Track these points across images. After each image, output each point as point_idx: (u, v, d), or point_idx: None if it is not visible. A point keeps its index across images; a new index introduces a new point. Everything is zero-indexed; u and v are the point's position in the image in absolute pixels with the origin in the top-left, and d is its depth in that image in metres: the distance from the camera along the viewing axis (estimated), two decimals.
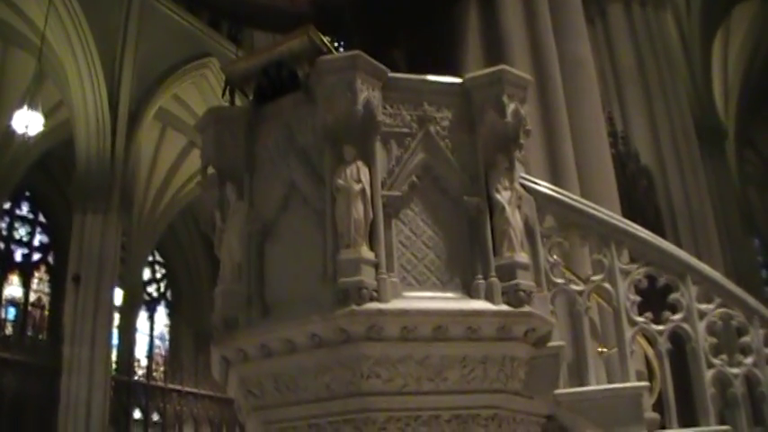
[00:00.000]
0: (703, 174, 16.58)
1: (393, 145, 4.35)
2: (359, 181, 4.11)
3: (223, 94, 4.92)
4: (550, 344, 4.39)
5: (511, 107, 4.38)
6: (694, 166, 15.97)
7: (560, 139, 6.26)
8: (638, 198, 11.72)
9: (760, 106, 35.44)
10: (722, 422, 4.92)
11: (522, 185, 4.54)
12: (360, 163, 4.16)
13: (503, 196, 4.25)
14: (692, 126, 16.86)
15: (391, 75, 4.39)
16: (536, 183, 4.76)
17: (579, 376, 4.73)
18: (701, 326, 4.80)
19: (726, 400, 5.00)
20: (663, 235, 13.33)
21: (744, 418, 4.87)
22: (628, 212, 6.53)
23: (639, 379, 4.86)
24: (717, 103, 26.02)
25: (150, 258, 35.49)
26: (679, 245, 14.48)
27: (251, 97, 4.74)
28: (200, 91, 28.83)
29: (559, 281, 4.67)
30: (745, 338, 4.99)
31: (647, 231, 4.86)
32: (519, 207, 4.34)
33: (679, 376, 4.93)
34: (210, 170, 4.85)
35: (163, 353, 35.05)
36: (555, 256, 4.70)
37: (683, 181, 15.36)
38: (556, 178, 5.86)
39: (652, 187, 13.76)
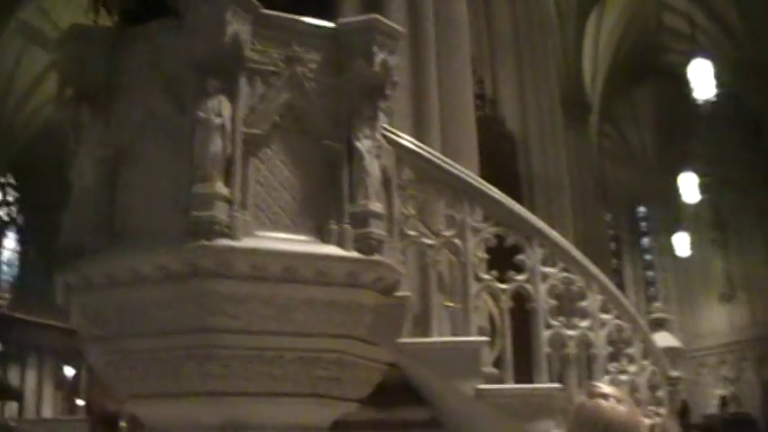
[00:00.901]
0: (564, 144, 17.10)
1: (258, 82, 4.30)
2: (220, 115, 4.04)
3: (89, 10, 4.73)
4: (397, 293, 4.45)
5: (380, 57, 4.38)
6: (556, 136, 16.45)
7: (427, 94, 6.31)
8: (500, 161, 11.99)
9: (624, 85, 36.75)
10: (561, 382, 5.12)
11: (384, 136, 4.56)
12: (223, 97, 4.09)
13: (363, 144, 4.26)
14: (558, 97, 17.34)
15: (264, 11, 4.32)
16: (398, 135, 4.79)
17: (424, 327, 4.84)
18: (543, 288, 4.97)
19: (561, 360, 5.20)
20: (519, 199, 13.71)
21: (575, 377, 5.09)
22: (488, 174, 6.66)
23: (481, 334, 5.01)
24: (585, 77, 26.80)
25: (2, 180, 34.11)
26: (534, 210, 14.94)
27: (118, 17, 4.58)
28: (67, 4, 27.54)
29: (411, 233, 4.74)
30: (583, 303, 5.19)
31: (500, 192, 4.98)
32: (378, 157, 4.36)
33: (524, 336, 5.11)
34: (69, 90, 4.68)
35: (11, 280, 33.88)
36: (410, 209, 4.77)
37: (544, 149, 15.80)
38: (419, 132, 5.91)
39: (514, 152, 14.12)
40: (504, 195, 5.00)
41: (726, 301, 42.39)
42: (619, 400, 2.46)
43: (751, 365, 41.16)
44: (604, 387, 2.55)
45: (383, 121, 4.61)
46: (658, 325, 7.19)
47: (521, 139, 15.23)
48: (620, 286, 43.51)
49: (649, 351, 5.72)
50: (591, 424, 2.39)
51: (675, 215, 38.36)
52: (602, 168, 31.53)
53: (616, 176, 43.31)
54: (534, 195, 15.10)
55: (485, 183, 5.02)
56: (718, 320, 42.70)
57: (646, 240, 46.70)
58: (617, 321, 5.33)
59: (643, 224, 46.90)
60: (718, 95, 22.70)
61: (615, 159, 42.10)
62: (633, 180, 44.59)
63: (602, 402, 2.43)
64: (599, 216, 25.31)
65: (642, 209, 46.56)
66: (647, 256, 46.75)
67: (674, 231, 37.15)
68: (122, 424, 13.42)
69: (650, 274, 46.61)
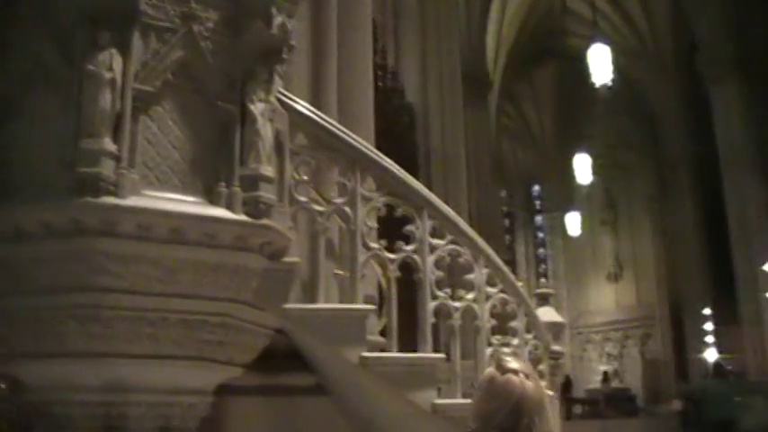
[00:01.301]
0: (463, 119, 17.28)
1: (153, 38, 4.18)
2: (110, 69, 3.93)
3: None
4: (285, 259, 4.44)
5: (278, 19, 4.33)
6: (455, 111, 16.61)
7: (326, 61, 6.29)
8: (399, 132, 12.07)
9: (526, 65, 37.32)
10: (446, 352, 5.21)
11: (279, 100, 4.52)
12: (114, 51, 3.96)
13: (257, 107, 4.21)
14: (459, 73, 17.48)
15: None
16: (293, 99, 4.76)
17: (313, 294, 4.85)
18: (431, 259, 5.04)
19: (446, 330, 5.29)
20: (416, 171, 13.87)
21: (458, 348, 5.19)
22: (386, 145, 6.68)
23: (370, 303, 5.05)
24: (487, 55, 27.07)
25: None
26: (430, 182, 15.16)
27: None
28: None
29: (302, 199, 4.72)
30: (470, 276, 5.29)
31: (392, 163, 5.01)
32: (272, 120, 4.32)
33: (412, 306, 5.17)
34: None
35: None
36: (302, 174, 4.75)
37: (443, 123, 15.94)
38: (316, 99, 5.89)
39: (413, 124, 14.23)
40: (396, 166, 5.03)
41: (613, 280, 43.70)
42: (527, 375, 2.54)
43: (634, 343, 42.61)
44: (513, 361, 2.60)
45: (279, 85, 4.57)
46: (543, 300, 7.36)
47: (420, 112, 15.34)
48: (513, 262, 44.45)
49: (533, 325, 5.87)
50: (503, 398, 2.45)
51: (569, 195, 39.24)
52: (499, 145, 32.04)
53: (513, 154, 44.14)
54: (431, 168, 15.25)
55: (378, 152, 5.04)
56: (605, 299, 44.02)
57: (539, 218, 47.73)
58: (502, 295, 5.45)
59: (537, 202, 47.91)
60: (615, 81, 23.23)
61: (513, 137, 42.85)
62: (529, 159, 45.49)
63: (513, 377, 2.49)
64: (494, 192, 25.74)
65: (537, 187, 47.53)
66: (540, 234, 47.81)
67: (566, 211, 38.01)
68: (1, 385, 13.00)
69: (542, 251, 47.69)
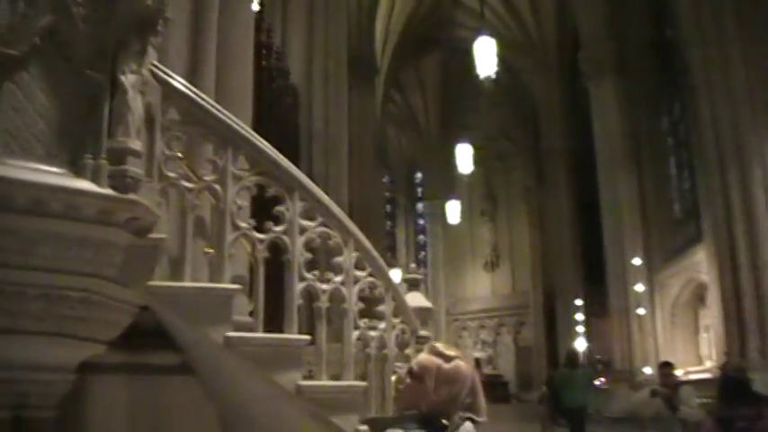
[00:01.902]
0: (347, 103, 17.29)
1: (20, 0, 4.03)
2: None
3: None
4: (152, 235, 4.35)
5: None
6: (340, 94, 16.59)
7: (205, 36, 6.17)
8: (281, 113, 11.98)
9: (414, 54, 37.59)
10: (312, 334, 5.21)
11: (152, 72, 4.42)
12: None
13: (128, 79, 4.10)
14: (345, 57, 17.48)
15: None
16: (167, 73, 4.65)
17: (180, 272, 4.78)
18: (300, 240, 5.03)
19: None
20: (298, 153, 13.82)
21: (324, 330, 5.20)
22: (268, 125, 6.64)
23: (238, 283, 4.99)
24: (376, 41, 27.14)
25: None
26: (311, 165, 15.16)
27: None
28: None
29: (172, 175, 4.64)
30: (339, 258, 5.30)
31: (265, 142, 4.96)
32: (143, 93, 4.22)
33: (281, 287, 5.15)
34: None
35: None
36: (174, 150, 4.66)
37: (327, 106, 15.91)
38: (192, 74, 5.78)
39: (297, 105, 14.14)
40: (268, 146, 4.98)
41: (490, 269, 44.68)
42: (460, 358, 2.72)
43: (508, 331, 43.70)
44: (448, 348, 2.77)
45: (152, 58, 4.46)
46: (412, 285, 7.45)
47: (305, 94, 15.26)
48: (393, 248, 44.91)
49: (401, 310, 5.93)
50: (462, 381, 2.65)
51: (450, 184, 39.82)
52: (384, 131, 32.23)
53: (397, 141, 44.49)
54: (313, 151, 15.21)
55: (251, 131, 4.98)
56: (482, 287, 44.98)
57: (420, 205, 48.32)
58: (371, 279, 5.49)
59: (419, 189, 48.47)
60: (499, 73, 23.61)
61: (398, 124, 43.20)
62: (413, 146, 45.96)
63: (459, 362, 2.69)
64: (377, 178, 25.87)
65: (419, 174, 48.07)
66: (421, 221, 48.41)
67: (447, 199, 38.58)
68: None
69: (422, 238, 48.34)
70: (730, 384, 6.42)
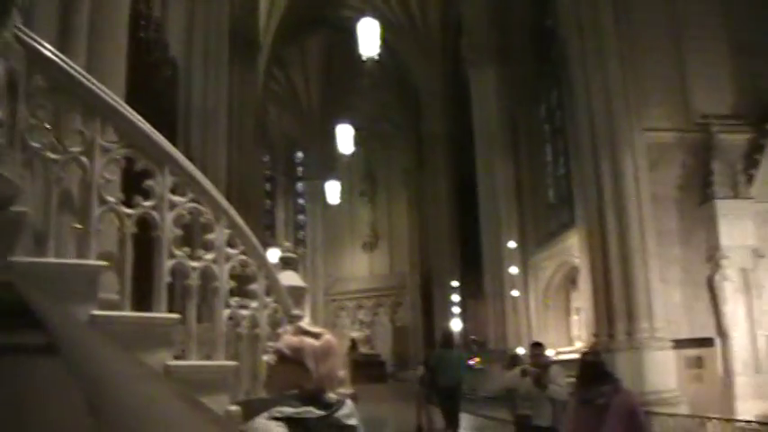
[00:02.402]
0: (228, 79, 16.99)
1: None
2: None
3: None
4: (13, 208, 4.14)
5: None
6: (221, 70, 16.29)
7: (78, 3, 5.93)
8: (158, 86, 11.68)
9: (298, 32, 37.26)
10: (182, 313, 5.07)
11: (16, 36, 4.19)
12: None
13: None
14: (227, 32, 17.16)
15: None
16: (32, 37, 4.41)
17: (42, 247, 4.56)
18: (170, 216, 4.86)
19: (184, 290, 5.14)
20: (175, 128, 13.52)
21: (194, 309, 5.06)
22: (144, 98, 6.43)
23: (105, 259, 4.80)
24: (260, 17, 26.76)
25: None
26: (189, 141, 14.86)
27: None
28: None
29: (36, 145, 4.41)
30: (210, 235, 5.15)
31: (136, 114, 4.76)
32: (5, 58, 4.00)
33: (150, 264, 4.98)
34: None
35: None
36: (39, 119, 4.43)
37: (207, 81, 15.60)
38: (63, 42, 5.53)
39: (175, 79, 13.82)
40: (139, 118, 4.78)
41: (368, 249, 44.90)
42: (326, 333, 2.70)
43: (385, 311, 44.09)
44: (312, 326, 2.75)
45: (17, 21, 4.23)
46: (286, 264, 7.36)
47: (184, 68, 14.91)
48: (272, 227, 44.62)
49: (273, 288, 5.84)
50: (336, 356, 2.66)
51: (330, 164, 39.76)
52: (265, 109, 31.87)
53: (279, 119, 44.10)
54: (191, 126, 14.89)
55: (121, 102, 4.78)
56: (360, 267, 45.19)
57: (300, 185, 48.12)
58: (243, 257, 5.37)
59: (299, 169, 48.26)
60: (382, 56, 23.61)
61: (279, 102, 42.79)
62: (294, 125, 45.69)
63: (329, 338, 2.68)
64: (257, 156, 25.58)
65: (300, 154, 47.85)
66: (300, 201, 48.24)
67: (327, 179, 38.46)
68: None
69: (301, 217, 48.18)
70: (588, 367, 6.86)
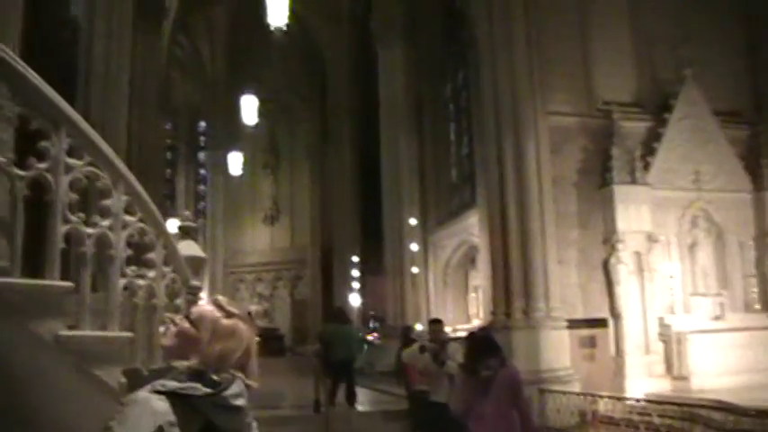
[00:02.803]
0: (131, 44, 16.51)
1: None
2: None
3: None
4: None
5: None
6: (123, 34, 15.80)
7: None
8: (58, 47, 11.29)
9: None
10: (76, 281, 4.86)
11: None
12: None
13: None
14: None
15: None
16: None
17: None
18: (66, 179, 4.65)
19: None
20: (74, 90, 13.08)
21: (88, 277, 4.88)
22: (40, 57, 6.13)
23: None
24: None
25: None
26: (88, 104, 14.40)
27: None
28: None
29: None
30: (107, 201, 4.96)
31: (31, 70, 4.53)
32: None
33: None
34: None
35: None
36: None
37: (109, 44, 15.11)
38: None
39: (76, 41, 13.37)
40: (35, 74, 4.54)
41: (269, 222, 44.54)
42: (242, 318, 2.60)
43: (285, 285, 43.87)
44: (231, 305, 2.63)
45: None
46: (185, 234, 7.16)
47: (85, 29, 14.43)
48: (172, 196, 43.86)
49: (172, 258, 5.68)
50: (238, 340, 2.53)
51: (234, 135, 39.25)
52: (168, 77, 31.15)
53: (183, 87, 43.22)
54: (91, 90, 14.43)
55: (14, 56, 4.53)
56: (261, 240, 44.81)
57: (202, 155, 47.36)
58: (141, 224, 5.20)
59: (202, 138, 47.47)
60: (291, 27, 23.31)
61: (184, 70, 41.90)
62: (198, 93, 44.86)
63: (239, 321, 2.57)
64: (158, 123, 24.99)
65: (203, 123, 47.05)
66: (202, 171, 47.49)
67: (230, 150, 38.01)
68: None
69: (202, 188, 47.44)
70: (476, 342, 7.16)
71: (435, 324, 10.35)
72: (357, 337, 16.57)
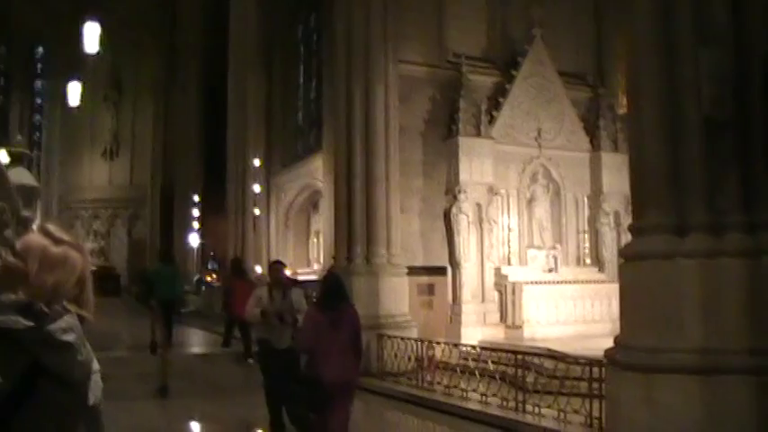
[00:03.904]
0: None
1: None
2: None
3: None
4: None
5: None
6: None
7: None
8: None
9: None
10: None
11: None
12: None
13: None
14: None
15: None
16: None
17: None
18: None
19: None
20: None
21: None
22: None
23: None
24: None
25: None
26: None
27: None
28: None
29: None
30: None
31: None
32: None
33: None
34: None
35: None
36: None
37: None
38: None
39: None
40: None
41: (109, 158, 43.12)
42: (73, 245, 2.40)
43: (122, 223, 42.72)
44: (62, 232, 2.40)
45: None
46: (16, 160, 6.76)
47: None
48: (4, 126, 41.73)
49: (0, 186, 5.34)
50: (69, 269, 2.34)
51: (74, 64, 37.57)
52: None
53: (21, 8, 40.95)
54: None
55: None
56: (99, 176, 43.39)
57: (39, 83, 45.24)
58: None
59: (39, 66, 45.30)
60: None
61: None
62: (37, 18, 42.61)
63: (70, 249, 2.36)
64: None
65: (41, 49, 44.84)
66: (38, 100, 45.41)
67: (69, 80, 36.37)
68: None
69: (38, 118, 45.40)
70: (331, 282, 7.58)
71: (275, 266, 10.22)
72: (181, 278, 16.42)
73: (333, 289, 7.71)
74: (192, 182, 37.38)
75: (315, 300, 8.39)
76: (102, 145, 43.16)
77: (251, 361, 15.01)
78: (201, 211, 36.86)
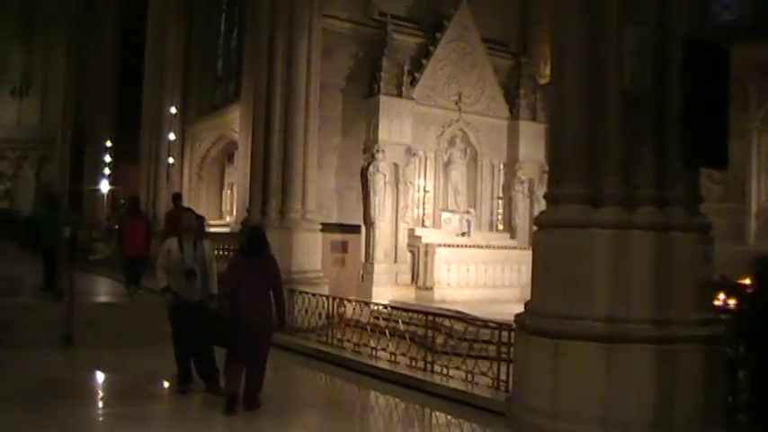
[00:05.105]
0: None
1: None
2: None
3: None
4: None
5: None
6: None
7: None
8: None
9: None
10: None
11: None
12: None
13: None
14: None
15: None
16: None
17: None
18: None
19: None
20: None
21: None
22: None
23: None
24: None
25: None
26: None
27: None
28: None
29: None
30: None
31: None
32: None
33: None
34: None
35: None
36: None
37: None
38: None
39: None
40: None
41: (18, 96, 41.70)
42: None
43: (30, 165, 41.48)
44: None
45: None
46: None
47: None
48: None
49: None
50: None
51: None
52: None
53: None
54: None
55: None
56: (7, 115, 41.94)
57: None
58: None
59: None
60: None
61: None
62: None
63: None
64: None
65: None
66: None
67: None
68: None
69: None
70: (255, 232, 8.53)
71: (189, 213, 9.96)
72: (65, 223, 16.14)
73: (257, 238, 8.41)
74: (106, 126, 36.49)
75: (239, 247, 9.02)
76: (12, 83, 41.66)
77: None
78: (114, 156, 36.09)
